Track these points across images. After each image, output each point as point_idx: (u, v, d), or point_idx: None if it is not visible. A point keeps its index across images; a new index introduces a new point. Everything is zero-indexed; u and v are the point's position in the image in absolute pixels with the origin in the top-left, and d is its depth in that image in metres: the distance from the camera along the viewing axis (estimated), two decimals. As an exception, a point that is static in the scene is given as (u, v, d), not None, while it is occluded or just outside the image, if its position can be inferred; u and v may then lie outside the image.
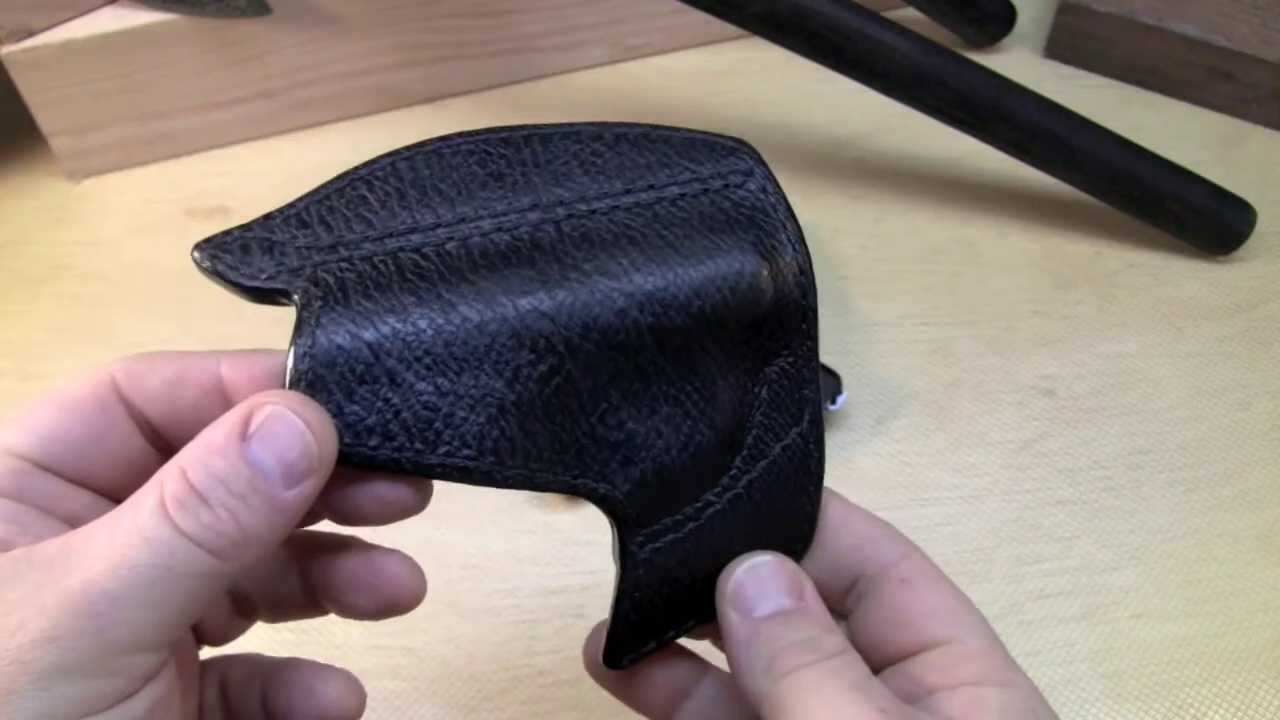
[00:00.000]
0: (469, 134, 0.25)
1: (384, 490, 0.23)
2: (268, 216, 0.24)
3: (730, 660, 0.24)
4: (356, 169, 0.25)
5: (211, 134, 0.61)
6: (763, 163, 0.27)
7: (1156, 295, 0.53)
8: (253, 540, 0.20)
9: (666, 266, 0.24)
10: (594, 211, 0.25)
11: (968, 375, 0.49)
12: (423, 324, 0.23)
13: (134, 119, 0.59)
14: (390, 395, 0.22)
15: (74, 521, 0.22)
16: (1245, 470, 0.46)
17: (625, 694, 0.28)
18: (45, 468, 0.22)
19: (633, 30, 0.65)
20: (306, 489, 0.21)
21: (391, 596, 0.25)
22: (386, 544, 0.26)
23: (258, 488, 0.20)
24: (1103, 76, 0.64)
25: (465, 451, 0.23)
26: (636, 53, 0.66)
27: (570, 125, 0.26)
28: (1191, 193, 0.51)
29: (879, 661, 0.25)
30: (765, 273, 0.25)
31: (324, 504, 0.23)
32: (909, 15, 0.65)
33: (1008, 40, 0.66)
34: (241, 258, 0.23)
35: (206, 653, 0.27)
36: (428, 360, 0.23)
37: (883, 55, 0.50)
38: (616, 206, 0.25)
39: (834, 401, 0.46)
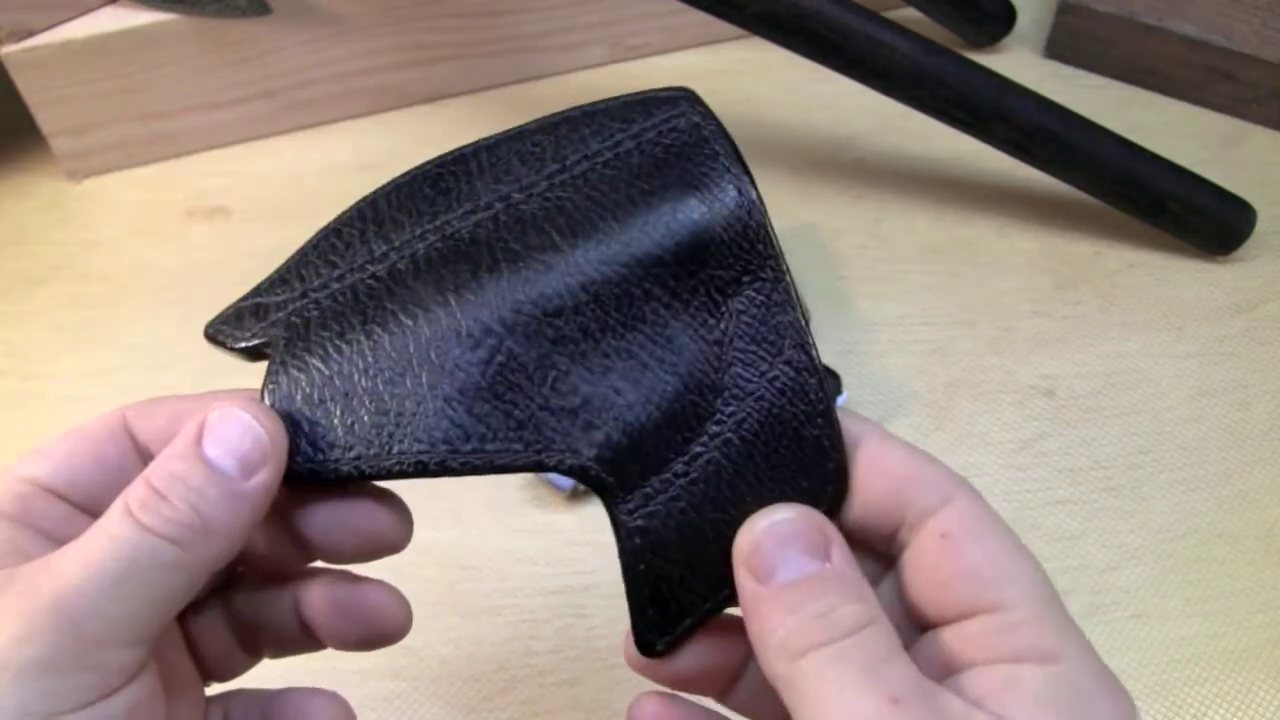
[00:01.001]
0: (431, 160, 0.27)
1: (359, 514, 0.24)
2: (257, 285, 0.26)
3: (748, 631, 0.22)
4: (330, 222, 0.27)
5: (211, 134, 0.61)
6: (699, 102, 0.27)
7: (1156, 295, 0.53)
8: (215, 529, 0.22)
9: (590, 225, 0.25)
10: (530, 197, 0.26)
11: (968, 375, 0.49)
12: (368, 339, 0.24)
13: (134, 119, 0.59)
14: (345, 410, 0.24)
15: None
16: (1245, 470, 0.46)
17: (674, 682, 0.26)
18: (52, 491, 0.23)
19: (632, 30, 0.65)
20: (264, 477, 0.23)
21: (374, 626, 0.26)
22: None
23: (215, 481, 0.22)
24: (1103, 76, 0.64)
25: (417, 446, 0.24)
26: (636, 53, 0.66)
27: (516, 128, 0.27)
28: (1191, 193, 0.51)
29: (924, 623, 0.23)
30: (694, 201, 0.25)
31: (304, 535, 0.25)
32: (909, 15, 0.65)
33: (1008, 40, 0.66)
34: (236, 324, 0.26)
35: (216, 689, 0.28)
36: (373, 371, 0.24)
37: (883, 55, 0.50)
38: (551, 185, 0.26)
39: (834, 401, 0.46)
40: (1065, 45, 0.64)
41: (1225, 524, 0.44)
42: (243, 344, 0.25)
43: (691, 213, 0.25)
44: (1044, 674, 0.21)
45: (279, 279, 0.26)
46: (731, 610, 0.25)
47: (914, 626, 0.24)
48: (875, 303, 0.52)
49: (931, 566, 0.23)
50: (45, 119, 0.58)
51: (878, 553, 0.25)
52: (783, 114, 0.62)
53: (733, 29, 0.50)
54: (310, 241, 0.26)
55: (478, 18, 0.61)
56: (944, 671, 0.22)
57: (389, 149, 0.61)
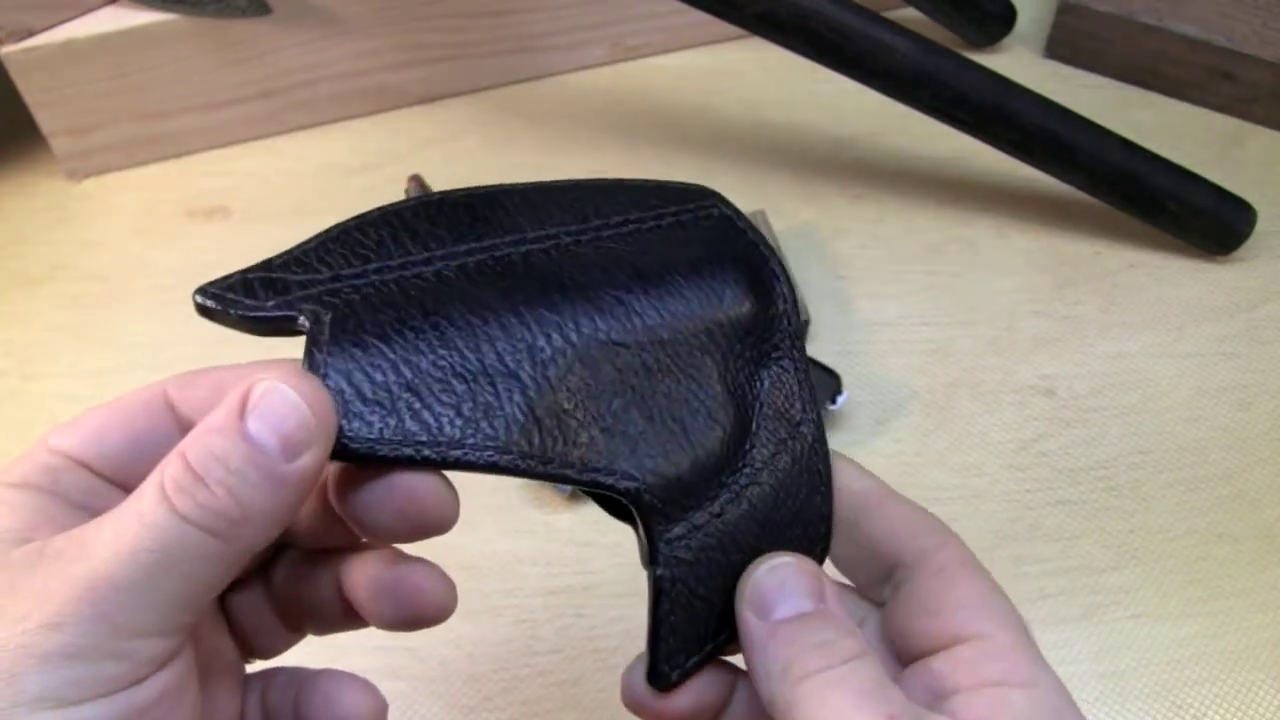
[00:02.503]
0: (453, 190, 0.27)
1: (406, 494, 0.23)
2: (266, 261, 0.25)
3: (747, 664, 0.24)
4: (348, 220, 0.26)
5: (211, 134, 0.61)
6: (728, 202, 0.29)
7: (1156, 295, 0.53)
8: (255, 517, 0.21)
9: (659, 275, 0.26)
10: (580, 242, 0.27)
11: (968, 375, 0.49)
12: (434, 330, 0.24)
13: (134, 119, 0.59)
14: (412, 395, 0.23)
15: None
16: (1245, 470, 0.46)
17: (660, 717, 0.26)
18: (84, 464, 0.23)
19: (633, 30, 0.65)
20: (308, 461, 0.21)
21: (416, 608, 0.25)
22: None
23: (256, 463, 0.20)
24: (1103, 76, 0.64)
25: (491, 444, 0.24)
26: (636, 53, 0.66)
27: (545, 183, 0.28)
28: (1191, 193, 0.52)
29: (911, 653, 0.25)
30: (750, 279, 0.27)
31: (350, 514, 0.24)
32: (909, 15, 0.65)
33: (1008, 40, 0.66)
34: (245, 293, 0.24)
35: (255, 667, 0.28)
36: (443, 362, 0.24)
37: (883, 55, 0.50)
38: (599, 237, 0.27)
39: (834, 401, 0.46)
40: (1065, 45, 0.64)
41: (1225, 524, 0.44)
42: (260, 313, 0.24)
43: (746, 289, 0.27)
44: (1029, 697, 0.22)
45: (294, 260, 0.25)
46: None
47: (898, 664, 0.25)
48: (875, 303, 0.52)
49: (926, 596, 0.25)
50: (45, 119, 0.58)
51: (866, 597, 0.27)
52: (783, 114, 0.62)
53: (733, 29, 0.50)
54: (328, 233, 0.25)
55: (478, 18, 0.61)
56: (931, 699, 0.23)
57: (389, 149, 0.61)
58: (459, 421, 0.23)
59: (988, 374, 0.49)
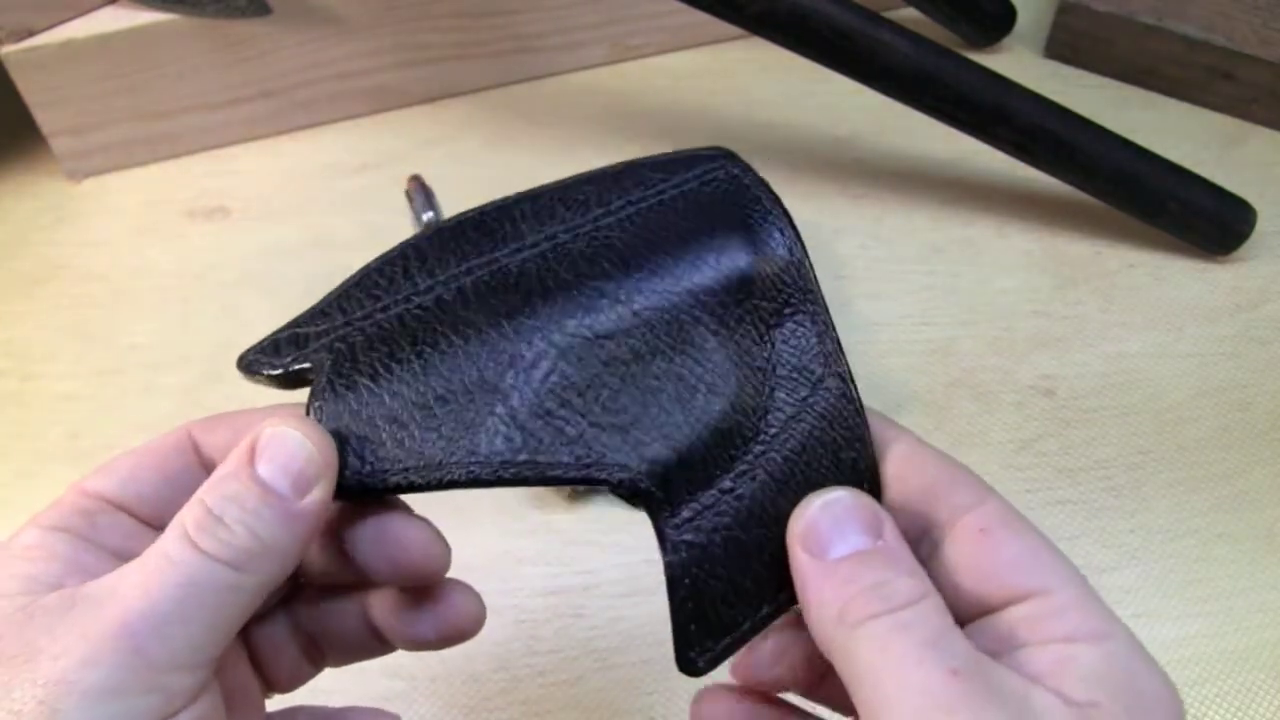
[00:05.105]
0: (473, 209, 0.28)
1: (396, 543, 0.25)
2: (295, 319, 0.27)
3: (801, 605, 0.23)
4: (372, 261, 0.27)
5: (211, 134, 0.61)
6: (737, 159, 0.28)
7: (1156, 295, 0.53)
8: (272, 549, 0.22)
9: (644, 256, 0.26)
10: (576, 236, 0.27)
11: (968, 375, 0.49)
12: (419, 359, 0.25)
13: (134, 119, 0.59)
14: (396, 426, 0.25)
15: None
16: (1245, 470, 0.46)
17: (757, 682, 0.26)
18: (119, 506, 0.24)
19: (633, 30, 0.65)
20: (318, 495, 0.23)
21: (453, 624, 0.26)
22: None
23: (269, 502, 0.22)
24: (1103, 76, 0.64)
25: (471, 459, 0.24)
26: (636, 53, 0.66)
27: (559, 181, 0.28)
28: (1191, 193, 0.51)
29: (962, 617, 0.23)
30: (743, 238, 0.27)
31: (351, 559, 0.25)
32: (909, 15, 0.65)
33: (1008, 40, 0.66)
34: (274, 354, 0.26)
35: (278, 704, 0.28)
36: (424, 388, 0.25)
37: (883, 55, 0.50)
38: (597, 226, 0.27)
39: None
40: (1065, 45, 0.64)
41: (1225, 524, 0.44)
42: (279, 370, 0.26)
43: (739, 249, 0.26)
44: (1097, 652, 0.21)
45: (319, 312, 0.26)
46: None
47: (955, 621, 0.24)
48: (875, 303, 0.52)
49: (973, 558, 0.23)
50: (45, 119, 0.58)
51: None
52: (783, 114, 0.62)
53: (733, 29, 0.50)
54: (352, 278, 0.27)
55: (478, 18, 0.61)
56: (995, 654, 0.22)
57: (389, 149, 0.61)
58: (441, 443, 0.24)
59: (988, 374, 0.49)
